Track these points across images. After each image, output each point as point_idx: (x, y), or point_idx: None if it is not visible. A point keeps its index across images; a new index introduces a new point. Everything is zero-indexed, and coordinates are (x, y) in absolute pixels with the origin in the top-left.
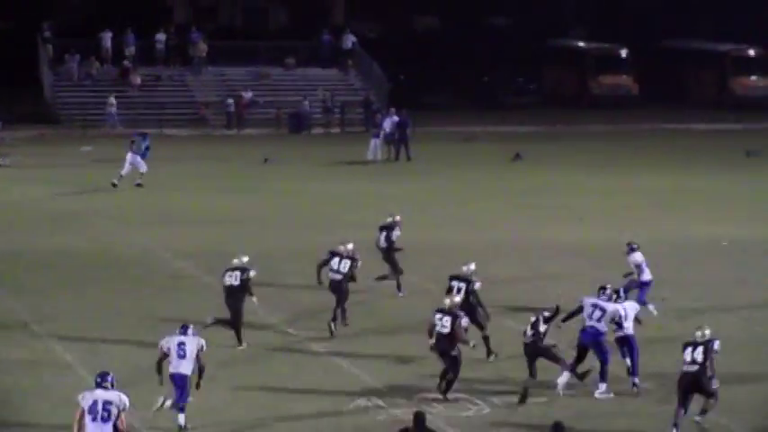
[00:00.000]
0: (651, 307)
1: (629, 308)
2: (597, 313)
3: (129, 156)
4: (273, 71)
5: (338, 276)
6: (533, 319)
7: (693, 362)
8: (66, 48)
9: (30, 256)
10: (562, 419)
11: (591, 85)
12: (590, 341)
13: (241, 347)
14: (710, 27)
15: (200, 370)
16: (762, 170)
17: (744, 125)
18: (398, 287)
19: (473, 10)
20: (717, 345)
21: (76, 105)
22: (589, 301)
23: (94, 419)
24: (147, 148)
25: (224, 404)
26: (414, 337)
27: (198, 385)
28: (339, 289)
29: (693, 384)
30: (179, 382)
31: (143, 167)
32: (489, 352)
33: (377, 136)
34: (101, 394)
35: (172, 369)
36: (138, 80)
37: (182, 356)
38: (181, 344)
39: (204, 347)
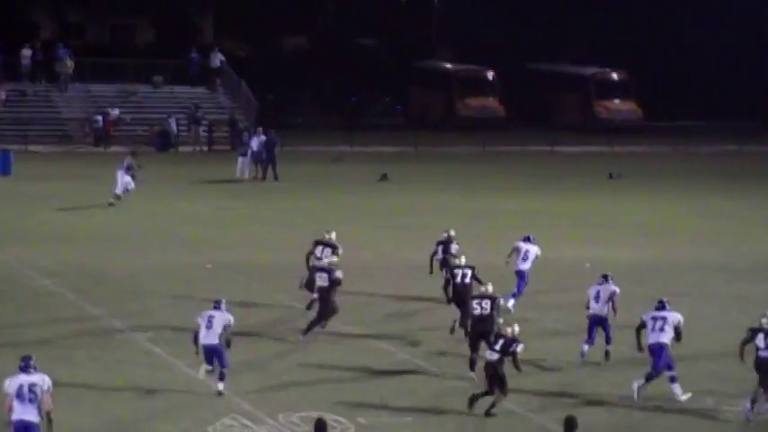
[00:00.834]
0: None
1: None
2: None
3: (118, 173)
4: (141, 89)
5: (322, 271)
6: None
7: (767, 347)
8: None
9: None
10: None
11: (457, 106)
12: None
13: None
14: (575, 51)
15: (226, 343)
16: (624, 192)
17: (607, 148)
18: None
19: (341, 31)
20: None
21: None
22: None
23: (22, 402)
24: (129, 168)
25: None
26: (283, 353)
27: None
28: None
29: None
30: (207, 351)
31: (131, 185)
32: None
33: (244, 155)
34: (25, 378)
35: (201, 340)
36: (3, 96)
37: (208, 327)
38: (210, 317)
39: (232, 323)
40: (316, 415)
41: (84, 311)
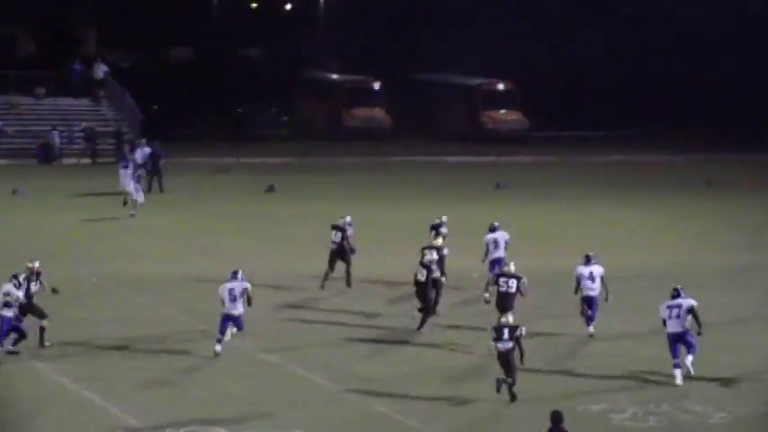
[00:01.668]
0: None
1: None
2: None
3: (131, 184)
4: (23, 100)
5: (333, 246)
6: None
7: None
8: None
9: None
10: None
11: (344, 117)
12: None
13: None
14: (461, 61)
15: (248, 301)
16: (510, 201)
17: (494, 158)
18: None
19: (226, 41)
20: None
21: None
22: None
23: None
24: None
25: None
26: (170, 366)
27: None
28: (339, 254)
29: None
30: (228, 320)
31: (135, 196)
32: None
33: (125, 167)
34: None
35: (225, 311)
36: None
37: (232, 300)
38: (231, 289)
39: (250, 289)
40: (203, 429)
41: None
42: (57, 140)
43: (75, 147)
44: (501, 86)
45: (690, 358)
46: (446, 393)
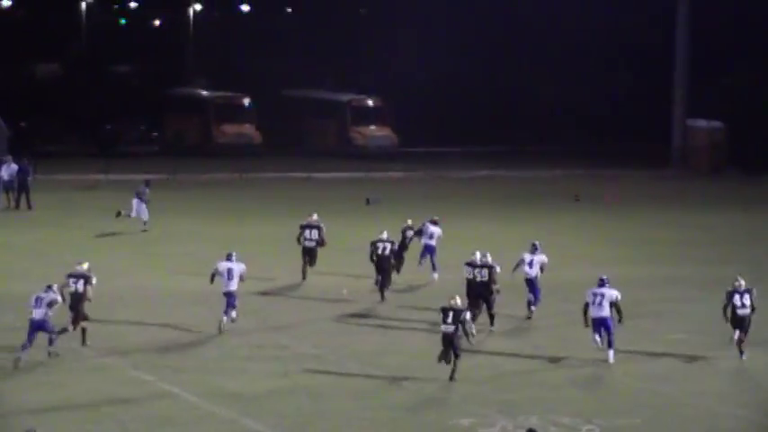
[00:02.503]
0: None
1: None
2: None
3: (134, 202)
4: None
5: (311, 244)
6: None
7: (743, 305)
8: None
9: None
10: None
11: (214, 133)
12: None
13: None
14: (331, 77)
15: (240, 279)
16: (381, 217)
17: (363, 173)
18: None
19: (95, 57)
20: (755, 292)
21: None
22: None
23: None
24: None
25: None
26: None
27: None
28: (312, 252)
29: (745, 321)
30: (230, 297)
31: (145, 216)
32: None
33: None
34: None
35: (224, 288)
36: None
37: (230, 278)
38: (229, 270)
39: (245, 270)
40: None
41: None
42: None
43: None
44: (370, 102)
45: (611, 353)
46: (313, 409)
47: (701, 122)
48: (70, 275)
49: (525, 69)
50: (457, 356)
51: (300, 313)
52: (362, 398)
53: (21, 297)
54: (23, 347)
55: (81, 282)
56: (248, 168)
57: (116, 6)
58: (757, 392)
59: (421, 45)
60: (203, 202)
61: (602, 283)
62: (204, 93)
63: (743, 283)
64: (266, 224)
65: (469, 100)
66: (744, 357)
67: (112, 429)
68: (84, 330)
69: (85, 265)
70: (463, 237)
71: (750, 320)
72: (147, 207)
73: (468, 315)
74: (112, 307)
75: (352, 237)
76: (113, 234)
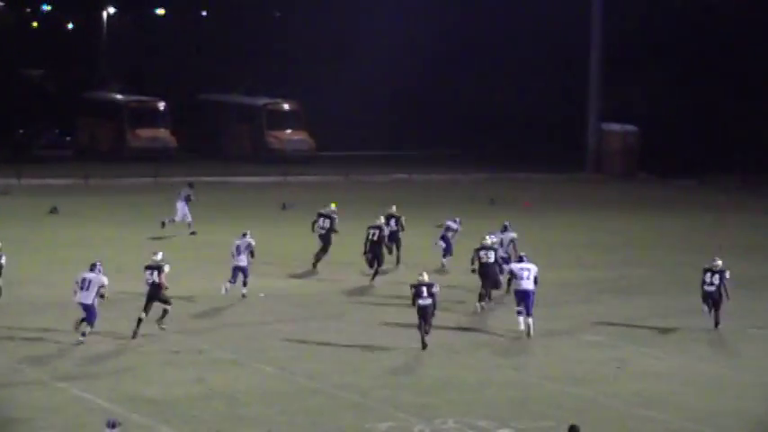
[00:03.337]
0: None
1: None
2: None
3: (179, 204)
4: None
5: (322, 231)
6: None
7: (711, 283)
8: None
9: None
10: None
11: (128, 137)
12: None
13: None
14: (246, 81)
15: (251, 254)
16: (297, 221)
17: (280, 178)
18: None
19: (6, 61)
20: (728, 274)
21: None
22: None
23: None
24: (188, 198)
25: None
26: None
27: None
28: (323, 238)
29: (715, 299)
30: (239, 270)
31: (189, 217)
32: None
33: None
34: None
35: (234, 263)
36: None
37: (240, 254)
38: (238, 246)
39: (253, 244)
40: None
41: None
42: None
43: None
44: (286, 106)
45: (530, 320)
46: (229, 414)
47: (615, 126)
48: (147, 267)
49: (442, 73)
50: (430, 326)
51: (217, 318)
52: (279, 403)
53: None
54: (83, 333)
55: (156, 272)
56: (164, 173)
57: (28, 10)
58: (669, 394)
59: (336, 49)
60: (118, 207)
61: (520, 259)
62: (118, 97)
63: (719, 263)
64: (183, 228)
65: (387, 103)
66: (718, 328)
67: None
68: (165, 312)
69: (159, 256)
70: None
71: (719, 299)
72: (189, 209)
73: (437, 288)
74: (24, 314)
75: (268, 241)
76: (25, 240)
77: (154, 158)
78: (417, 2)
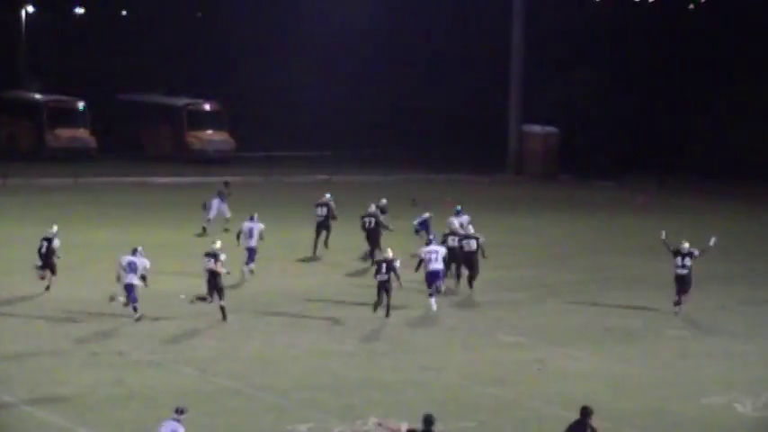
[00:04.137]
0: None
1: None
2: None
3: (215, 202)
4: None
5: (321, 218)
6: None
7: (684, 266)
8: None
9: None
10: None
11: (48, 137)
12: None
13: None
14: (167, 81)
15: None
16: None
17: (201, 178)
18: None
19: None
20: (697, 252)
21: None
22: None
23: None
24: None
25: None
26: None
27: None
28: (322, 225)
29: (684, 281)
30: (251, 252)
31: (227, 213)
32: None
33: None
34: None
35: (245, 244)
36: None
37: (251, 236)
38: (250, 228)
39: (263, 228)
40: None
41: None
42: None
43: None
44: (207, 107)
45: (434, 297)
46: (149, 416)
47: (536, 128)
48: (206, 254)
49: (365, 74)
50: (389, 297)
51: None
52: (199, 404)
53: None
54: (134, 309)
55: (213, 259)
56: (83, 173)
57: None
58: (589, 395)
59: (259, 49)
60: (37, 207)
61: (429, 243)
62: (37, 96)
63: (686, 245)
64: (101, 230)
65: (309, 104)
66: (678, 312)
67: None
68: (203, 299)
69: (218, 244)
70: (302, 243)
71: (689, 280)
72: (228, 205)
73: (398, 263)
74: None
75: (188, 242)
76: None
77: (73, 158)
78: (341, 2)
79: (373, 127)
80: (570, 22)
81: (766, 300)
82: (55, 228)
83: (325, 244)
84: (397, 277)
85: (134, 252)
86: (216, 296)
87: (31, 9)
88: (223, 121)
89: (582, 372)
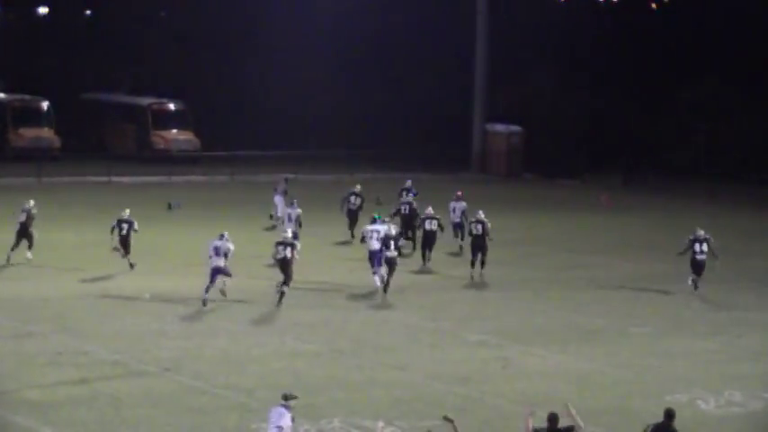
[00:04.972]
0: None
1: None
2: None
3: (276, 198)
4: None
5: (354, 207)
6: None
7: (702, 252)
8: None
9: None
10: None
11: (11, 137)
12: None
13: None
14: (130, 81)
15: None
16: (183, 221)
17: (165, 177)
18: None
19: None
20: (712, 241)
21: None
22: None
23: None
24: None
25: None
26: None
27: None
28: (354, 214)
29: (702, 265)
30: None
31: (280, 208)
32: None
33: None
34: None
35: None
36: None
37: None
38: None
39: (301, 214)
40: None
41: None
42: None
43: None
44: (172, 106)
45: (385, 274)
46: (114, 416)
47: (500, 127)
48: (278, 243)
49: (329, 73)
50: (392, 274)
51: (100, 318)
52: (164, 404)
53: None
54: (206, 290)
55: (288, 248)
56: (47, 173)
57: None
58: (554, 393)
59: (223, 49)
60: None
61: (374, 221)
62: (1, 96)
63: (702, 232)
64: (66, 230)
65: (274, 103)
66: (696, 291)
67: None
68: (282, 294)
69: (289, 233)
70: (265, 240)
71: (705, 265)
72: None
73: (402, 242)
74: None
75: (153, 242)
76: None
77: (37, 158)
78: (306, 2)
79: (337, 126)
80: (533, 21)
81: (727, 298)
82: (127, 211)
83: (352, 232)
84: (400, 254)
85: (221, 237)
86: (281, 282)
87: None
88: (188, 121)
89: (546, 370)
